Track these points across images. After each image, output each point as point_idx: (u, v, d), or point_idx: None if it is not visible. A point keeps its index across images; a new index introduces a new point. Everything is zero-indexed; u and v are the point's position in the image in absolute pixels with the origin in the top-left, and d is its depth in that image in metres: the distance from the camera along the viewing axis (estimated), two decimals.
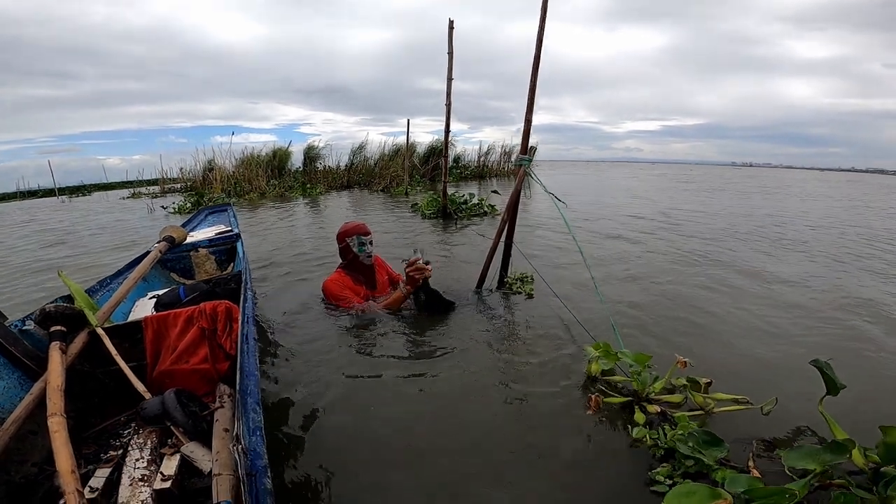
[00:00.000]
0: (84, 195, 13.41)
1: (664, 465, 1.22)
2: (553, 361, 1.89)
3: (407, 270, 2.21)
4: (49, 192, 13.67)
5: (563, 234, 5.19)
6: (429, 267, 2.22)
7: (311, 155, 12.26)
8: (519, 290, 2.79)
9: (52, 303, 1.41)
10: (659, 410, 1.45)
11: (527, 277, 2.97)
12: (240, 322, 1.41)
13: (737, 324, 2.34)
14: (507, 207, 2.60)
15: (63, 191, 13.93)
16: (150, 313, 1.66)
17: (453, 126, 5.86)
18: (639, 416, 1.43)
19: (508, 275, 2.87)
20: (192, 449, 1.07)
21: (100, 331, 1.36)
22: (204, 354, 1.41)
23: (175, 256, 2.51)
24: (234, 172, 10.53)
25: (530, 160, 2.52)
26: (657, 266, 3.55)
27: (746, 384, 1.62)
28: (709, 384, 1.54)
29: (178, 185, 11.52)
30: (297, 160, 12.11)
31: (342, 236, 2.35)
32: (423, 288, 2.26)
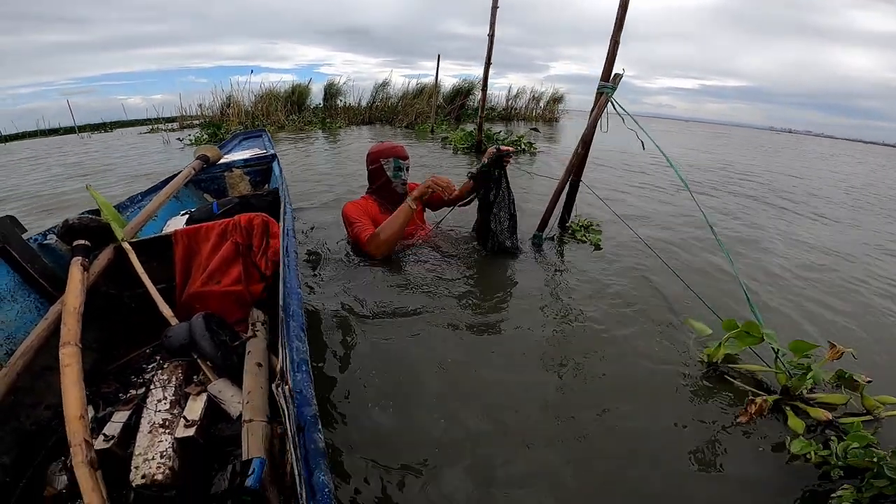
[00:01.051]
0: (106, 132, 13.47)
1: (845, 486, 0.95)
2: (650, 336, 1.53)
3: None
4: (70, 130, 13.72)
5: (625, 173, 4.86)
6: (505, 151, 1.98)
7: (331, 91, 11.93)
8: (584, 237, 2.45)
9: (77, 216, 1.22)
10: (828, 418, 1.14)
11: (592, 225, 2.65)
12: (280, 234, 1.30)
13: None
14: (581, 140, 2.28)
15: (83, 128, 13.91)
16: None
17: (476, 69, 5.55)
18: (795, 423, 1.12)
19: (572, 219, 2.57)
20: (220, 388, 0.93)
21: (126, 245, 1.22)
22: (237, 274, 1.27)
23: (208, 177, 2.39)
24: (252, 108, 10.32)
25: (614, 88, 2.13)
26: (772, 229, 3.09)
27: None
28: (868, 382, 1.22)
29: (197, 122, 11.40)
30: (317, 98, 11.90)
31: (375, 156, 2.05)
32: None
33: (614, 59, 2.14)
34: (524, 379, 1.28)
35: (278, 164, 2.47)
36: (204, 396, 0.92)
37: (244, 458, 0.70)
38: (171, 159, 5.69)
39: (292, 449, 0.63)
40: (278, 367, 0.79)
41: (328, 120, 10.47)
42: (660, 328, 1.59)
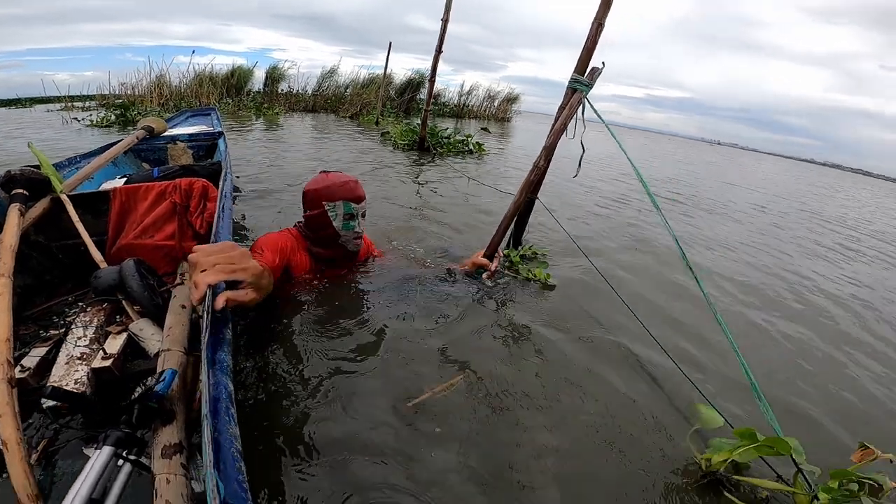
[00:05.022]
0: (21, 107, 12.40)
1: None
2: (627, 427, 1.22)
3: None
4: None
5: (588, 188, 4.93)
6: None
7: (274, 76, 11.70)
8: (529, 275, 2.02)
9: (19, 168, 1.36)
10: None
11: (539, 254, 2.31)
12: (217, 198, 1.40)
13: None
14: (544, 150, 2.00)
15: None
16: None
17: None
18: None
19: (520, 244, 2.35)
20: (142, 326, 0.99)
21: (64, 197, 1.31)
22: (171, 231, 1.38)
23: (149, 147, 2.45)
24: (181, 89, 9.95)
25: (590, 85, 1.88)
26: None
27: None
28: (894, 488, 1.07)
29: (118, 101, 10.80)
30: (260, 83, 11.61)
31: (316, 197, 1.50)
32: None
33: (594, 47, 1.85)
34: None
35: (224, 141, 2.54)
36: (124, 335, 0.98)
37: (157, 370, 0.76)
38: (60, 141, 5.00)
39: (204, 361, 0.71)
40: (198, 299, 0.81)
41: (265, 105, 10.19)
42: (641, 410, 1.31)
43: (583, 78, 1.90)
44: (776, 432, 1.18)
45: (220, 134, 2.71)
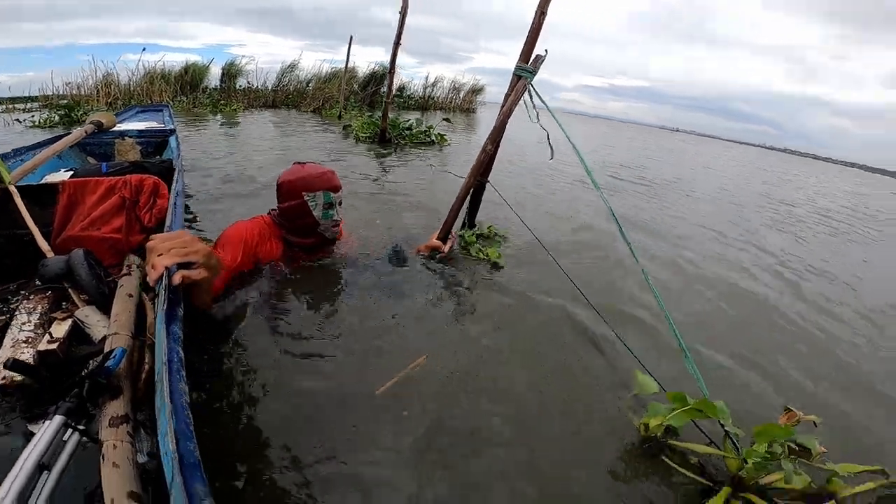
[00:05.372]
0: None
1: None
2: (567, 395, 1.31)
3: None
4: None
5: (537, 175, 5.08)
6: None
7: (231, 72, 11.33)
8: (480, 255, 2.14)
9: None
10: None
11: (495, 235, 2.44)
12: (170, 196, 1.44)
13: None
14: (491, 135, 2.10)
15: None
16: None
17: (401, 56, 5.51)
18: None
19: (474, 226, 2.45)
20: (88, 313, 1.02)
21: (12, 188, 1.32)
22: (119, 224, 1.41)
23: (96, 141, 2.41)
24: (131, 87, 9.50)
25: (534, 72, 1.95)
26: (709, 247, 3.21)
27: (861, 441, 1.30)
28: (824, 452, 1.10)
29: (63, 101, 10.22)
30: (216, 79, 11.19)
31: (295, 188, 1.54)
32: None
33: (538, 35, 1.90)
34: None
35: (176, 138, 2.54)
36: (70, 321, 1.00)
37: (106, 350, 0.81)
38: (3, 145, 4.83)
39: (159, 331, 0.76)
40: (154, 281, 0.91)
41: (222, 102, 9.88)
42: (586, 380, 1.41)
43: (527, 65, 1.97)
44: (704, 395, 1.23)
45: (172, 131, 2.70)
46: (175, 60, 10.34)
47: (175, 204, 1.39)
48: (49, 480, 0.60)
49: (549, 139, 2.10)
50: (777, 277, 2.88)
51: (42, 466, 0.60)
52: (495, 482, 1.00)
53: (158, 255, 0.92)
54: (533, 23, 1.95)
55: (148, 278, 0.92)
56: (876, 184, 21.13)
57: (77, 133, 2.01)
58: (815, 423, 1.13)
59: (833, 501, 1.03)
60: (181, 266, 0.97)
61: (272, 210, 1.68)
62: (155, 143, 2.70)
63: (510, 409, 1.22)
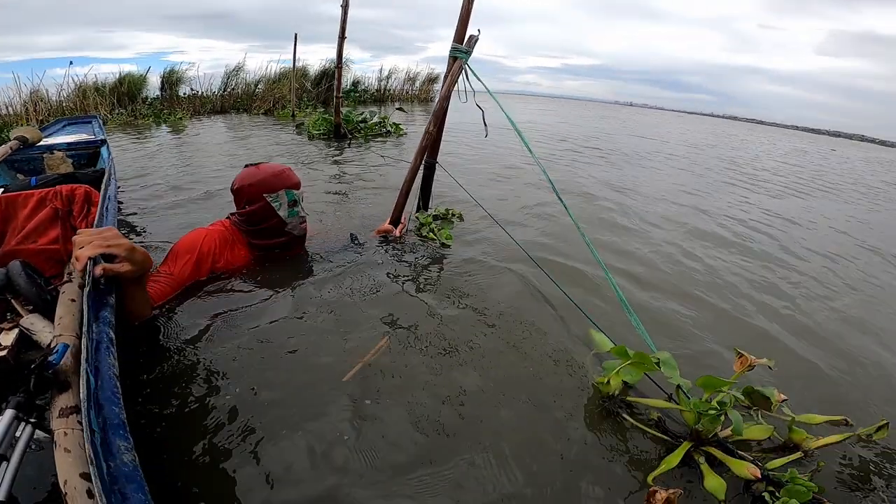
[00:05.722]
0: None
1: None
2: (534, 359, 1.37)
3: None
4: None
5: (475, 150, 5.32)
6: None
7: (171, 80, 10.82)
8: (431, 235, 2.23)
9: None
10: (757, 476, 0.93)
11: (451, 215, 2.55)
12: (99, 202, 1.44)
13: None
14: (432, 116, 2.16)
15: None
16: None
17: (353, 51, 5.55)
18: (715, 484, 0.93)
19: (429, 208, 2.51)
20: (33, 321, 1.03)
21: None
22: (55, 235, 1.41)
23: (24, 157, 2.34)
24: (62, 102, 8.95)
25: (468, 52, 2.03)
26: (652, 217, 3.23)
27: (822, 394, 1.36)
28: (784, 400, 1.13)
29: None
30: (156, 89, 10.60)
31: (255, 191, 1.51)
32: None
33: (468, 16, 1.95)
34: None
35: (108, 149, 2.54)
36: (16, 330, 1.01)
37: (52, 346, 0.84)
38: None
39: (86, 313, 0.82)
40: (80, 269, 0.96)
41: (165, 112, 9.46)
42: (545, 344, 1.45)
43: (462, 46, 2.03)
44: (649, 347, 1.26)
45: (103, 142, 2.69)
46: (109, 72, 9.78)
47: (106, 208, 1.40)
48: (8, 471, 0.64)
49: (483, 118, 2.17)
50: (725, 229, 3.09)
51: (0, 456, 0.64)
52: (462, 448, 1.03)
53: (80, 248, 0.97)
54: (463, 4, 2.01)
55: (73, 269, 0.97)
56: (818, 142, 22.66)
57: (2, 150, 1.96)
58: (769, 367, 1.12)
59: (800, 452, 1.03)
60: (105, 259, 1.01)
61: (231, 215, 1.64)
62: (87, 154, 2.66)
63: (473, 380, 1.26)
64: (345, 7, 5.16)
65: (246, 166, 1.60)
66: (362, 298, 1.61)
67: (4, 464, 0.64)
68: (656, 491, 0.86)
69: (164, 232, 2.23)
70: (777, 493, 0.92)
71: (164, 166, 3.95)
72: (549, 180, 1.89)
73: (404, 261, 1.99)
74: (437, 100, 2.16)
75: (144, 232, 2.25)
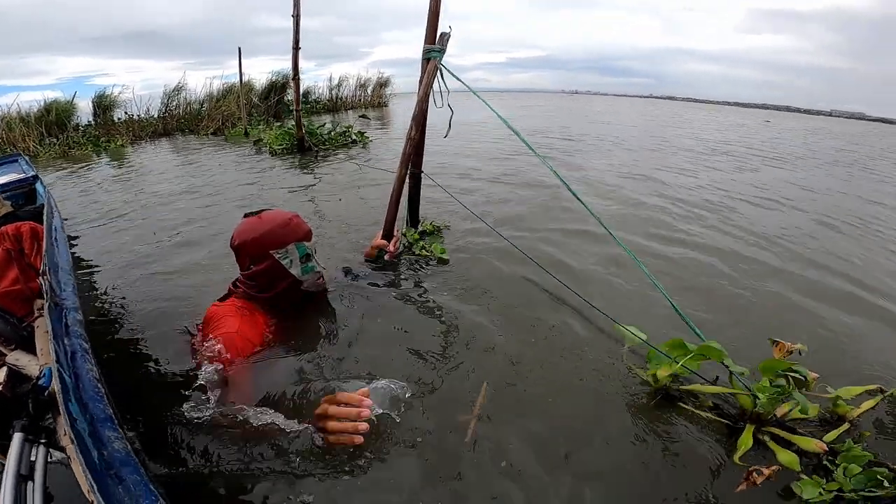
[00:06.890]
0: None
1: None
2: (567, 363, 1.37)
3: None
4: None
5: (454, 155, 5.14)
6: None
7: (103, 104, 10.15)
8: (424, 252, 2.10)
9: None
10: (824, 449, 0.99)
11: (436, 229, 2.42)
12: (45, 236, 1.47)
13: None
14: (413, 121, 2.06)
15: None
16: None
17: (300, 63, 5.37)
18: (788, 459, 0.99)
19: (418, 223, 2.39)
20: (18, 357, 1.13)
21: None
22: (14, 276, 1.44)
23: None
24: None
25: (442, 50, 1.96)
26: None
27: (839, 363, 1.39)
28: (817, 378, 1.17)
29: None
30: (87, 115, 9.95)
31: (260, 246, 1.28)
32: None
33: (437, 16, 1.91)
34: None
35: (42, 184, 2.60)
36: (4, 368, 1.03)
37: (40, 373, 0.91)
38: None
39: (57, 344, 0.88)
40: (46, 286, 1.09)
41: (103, 139, 8.82)
42: (576, 344, 1.45)
43: (434, 46, 1.97)
44: (701, 339, 1.29)
45: (35, 177, 2.73)
46: (32, 99, 9.07)
47: (55, 239, 1.44)
48: (36, 490, 0.68)
49: (450, 120, 2.13)
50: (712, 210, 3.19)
51: (24, 477, 0.68)
52: (526, 454, 1.03)
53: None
54: (430, 4, 1.96)
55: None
56: (753, 115, 24.29)
57: None
58: (800, 353, 1.19)
59: (847, 423, 1.11)
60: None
61: (237, 281, 1.39)
62: (23, 193, 2.65)
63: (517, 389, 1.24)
64: (296, 17, 5.04)
65: (245, 216, 1.35)
66: (408, 348, 1.41)
67: (31, 484, 0.68)
68: (754, 469, 0.90)
69: (128, 291, 1.89)
70: (836, 461, 0.99)
71: (112, 204, 3.51)
72: (559, 177, 1.84)
73: (411, 288, 1.84)
74: (415, 103, 2.08)
75: (111, 293, 1.90)
